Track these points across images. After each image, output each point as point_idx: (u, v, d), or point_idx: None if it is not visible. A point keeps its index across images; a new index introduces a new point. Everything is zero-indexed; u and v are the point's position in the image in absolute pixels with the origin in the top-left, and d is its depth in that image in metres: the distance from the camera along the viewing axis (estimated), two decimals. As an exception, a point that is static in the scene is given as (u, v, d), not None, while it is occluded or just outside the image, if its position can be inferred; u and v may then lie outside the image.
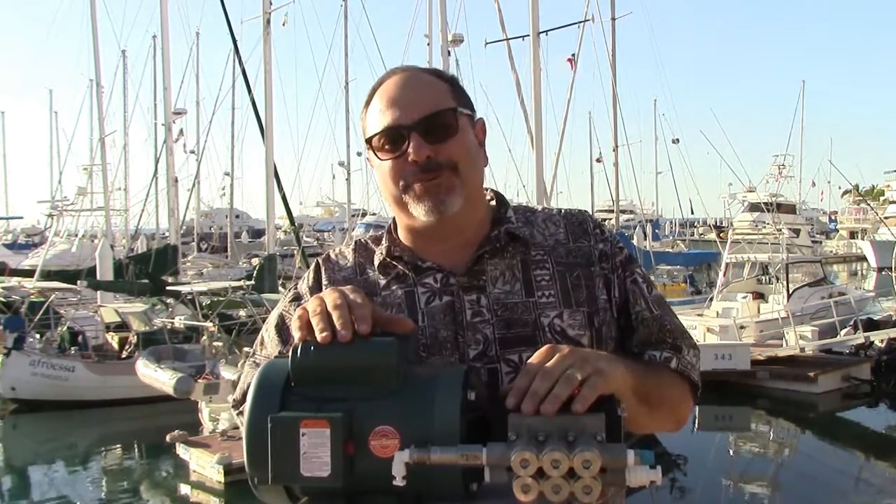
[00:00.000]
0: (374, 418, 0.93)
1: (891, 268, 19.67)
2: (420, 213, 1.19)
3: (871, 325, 16.17)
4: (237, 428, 10.68)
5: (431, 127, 1.18)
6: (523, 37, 15.78)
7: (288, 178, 32.76)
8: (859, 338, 15.47)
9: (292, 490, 0.97)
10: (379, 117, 1.20)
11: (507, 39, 16.41)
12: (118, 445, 13.49)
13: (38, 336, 16.19)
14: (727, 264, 20.00)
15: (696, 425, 12.81)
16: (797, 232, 33.95)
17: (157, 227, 33.68)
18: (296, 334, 0.99)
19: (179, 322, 16.20)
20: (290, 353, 0.98)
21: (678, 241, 40.27)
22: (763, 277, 20.32)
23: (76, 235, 30.50)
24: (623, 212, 38.99)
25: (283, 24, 22.42)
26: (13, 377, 14.56)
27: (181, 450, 10.79)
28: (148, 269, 20.03)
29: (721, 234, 31.98)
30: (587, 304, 1.22)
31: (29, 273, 21.02)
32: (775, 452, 13.06)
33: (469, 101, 1.27)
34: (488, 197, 1.32)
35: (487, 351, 1.18)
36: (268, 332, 1.29)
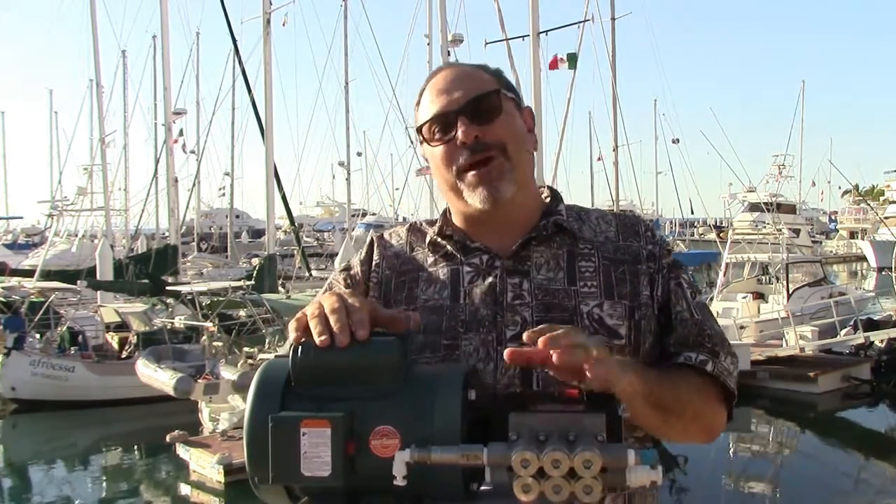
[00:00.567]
0: (374, 418, 0.93)
1: (891, 268, 19.69)
2: (475, 201, 1.24)
3: (871, 325, 16.18)
4: (237, 428, 10.71)
5: (477, 109, 1.23)
6: (523, 37, 15.81)
7: (288, 178, 32.85)
8: (859, 338, 15.47)
9: (293, 490, 0.97)
10: (428, 107, 1.27)
11: (507, 39, 16.42)
12: (118, 445, 13.49)
13: (38, 336, 16.20)
14: (727, 264, 20.00)
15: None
16: (797, 232, 33.96)
17: (157, 227, 33.72)
18: (292, 336, 1.00)
19: (179, 322, 16.20)
20: (290, 353, 0.98)
21: (678, 241, 40.23)
22: (763, 277, 20.32)
23: (76, 235, 30.50)
24: (623, 212, 38.92)
25: (283, 24, 22.41)
26: (13, 377, 14.57)
27: (181, 450, 10.79)
28: (148, 269, 20.05)
29: (721, 234, 32.01)
30: (629, 298, 1.24)
31: (29, 273, 21.02)
32: (775, 452, 13.05)
33: (514, 88, 1.32)
34: (545, 194, 1.37)
35: (524, 332, 1.20)
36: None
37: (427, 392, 0.94)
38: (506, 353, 0.98)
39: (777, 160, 46.60)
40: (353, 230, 31.50)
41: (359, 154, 38.86)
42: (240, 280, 18.86)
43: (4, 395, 14.78)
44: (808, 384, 14.52)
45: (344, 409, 0.92)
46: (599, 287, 1.24)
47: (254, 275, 18.20)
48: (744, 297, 18.74)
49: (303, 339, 0.99)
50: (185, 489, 10.63)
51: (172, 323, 16.20)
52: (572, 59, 16.89)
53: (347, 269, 1.37)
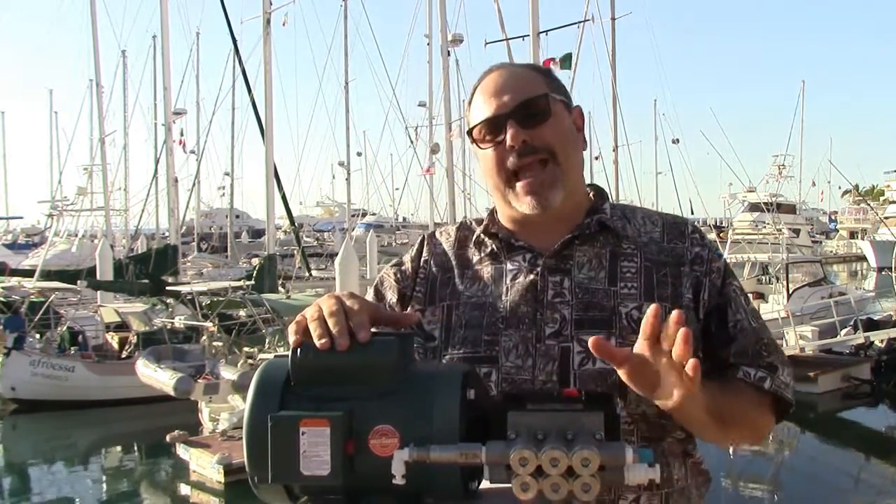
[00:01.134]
0: (373, 417, 0.93)
1: (891, 268, 19.68)
2: (524, 208, 1.27)
3: (871, 325, 16.18)
4: (237, 428, 10.71)
5: (526, 113, 1.26)
6: (523, 37, 15.79)
7: (288, 178, 32.83)
8: (859, 338, 15.47)
9: (292, 489, 0.97)
10: (479, 110, 1.29)
11: (507, 39, 16.41)
12: (118, 445, 13.50)
13: (38, 336, 16.21)
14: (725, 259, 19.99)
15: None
16: (797, 232, 33.98)
17: (157, 227, 33.70)
18: (292, 339, 1.00)
19: (179, 322, 16.20)
20: (289, 353, 0.99)
21: (678, 242, 40.15)
22: (763, 277, 20.34)
23: (76, 235, 30.52)
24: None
25: (284, 24, 22.38)
26: (13, 377, 14.57)
27: (181, 450, 10.79)
28: (148, 269, 20.04)
29: (721, 234, 31.96)
30: (670, 300, 1.25)
31: (29, 273, 21.02)
32: (775, 452, 13.05)
33: (563, 88, 1.34)
34: (591, 193, 1.38)
35: (563, 330, 1.22)
36: (367, 296, 1.34)
37: (426, 391, 0.94)
38: (592, 340, 1.00)
39: (777, 160, 46.54)
40: (353, 230, 31.47)
41: (359, 154, 38.87)
42: (240, 280, 18.86)
43: (4, 395, 14.78)
44: (808, 384, 14.50)
45: (343, 408, 0.92)
46: (640, 289, 1.25)
47: (254, 275, 18.20)
48: (744, 297, 18.72)
49: (302, 340, 0.99)
50: (185, 489, 10.63)
51: (172, 323, 16.20)
52: (567, 60, 16.85)
53: (399, 264, 1.41)
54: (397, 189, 36.77)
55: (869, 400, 14.78)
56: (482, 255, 1.33)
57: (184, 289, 16.96)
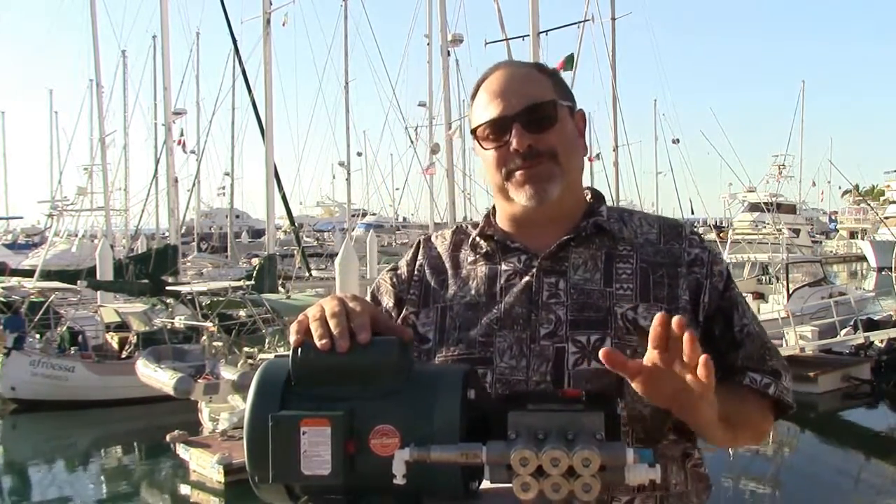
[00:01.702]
0: (374, 417, 0.93)
1: (891, 268, 19.69)
2: (521, 198, 1.27)
3: (871, 325, 16.18)
4: (237, 428, 10.71)
5: (533, 117, 1.25)
6: (523, 37, 15.79)
7: (288, 178, 32.83)
8: (859, 338, 15.47)
9: (293, 489, 0.97)
10: (484, 109, 1.28)
11: (507, 39, 16.41)
12: (118, 445, 13.50)
13: (38, 336, 16.21)
14: (727, 264, 19.99)
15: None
16: (797, 232, 34.00)
17: (157, 227, 33.71)
18: (293, 338, 1.00)
19: (179, 322, 16.20)
20: (290, 353, 0.99)
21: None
22: (763, 277, 20.33)
23: (76, 235, 30.52)
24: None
25: (283, 24, 22.38)
26: (13, 377, 14.57)
27: (181, 450, 10.80)
28: (148, 269, 20.04)
29: (721, 234, 31.98)
30: (667, 301, 1.24)
31: (29, 273, 21.03)
32: (775, 452, 13.05)
33: (569, 93, 1.34)
34: (588, 197, 1.37)
35: (558, 331, 1.22)
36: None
37: (427, 391, 0.95)
38: (603, 351, 1.00)
39: (777, 160, 46.59)
40: (353, 230, 31.48)
41: (359, 154, 38.84)
42: (240, 280, 18.85)
43: (4, 395, 14.79)
44: (808, 384, 14.51)
45: (344, 408, 0.93)
46: (635, 289, 1.25)
47: (254, 275, 18.20)
48: (744, 297, 18.73)
49: (303, 340, 0.99)
50: (185, 489, 10.63)
51: (172, 323, 16.20)
52: (569, 61, 16.87)
53: (395, 269, 1.41)
54: (397, 189, 36.80)
55: (869, 400, 14.78)
56: (477, 256, 1.33)
57: (184, 289, 16.96)
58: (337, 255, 14.31)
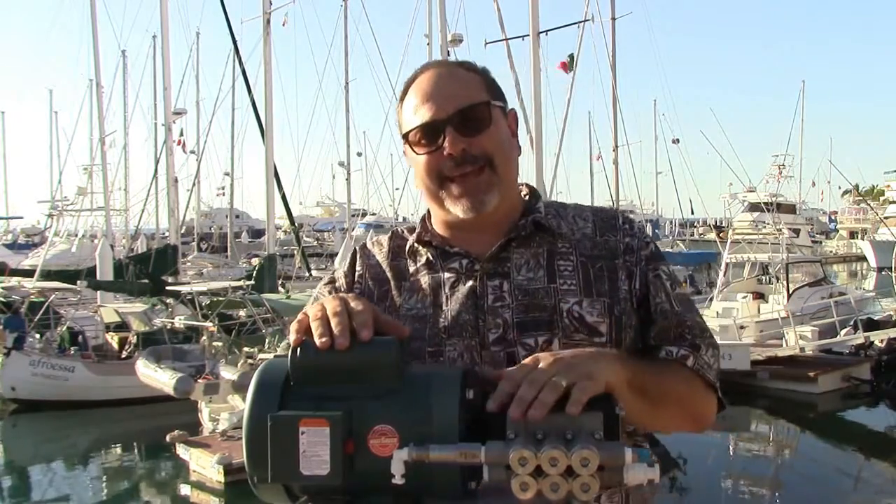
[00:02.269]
0: (373, 417, 0.93)
1: (891, 268, 19.67)
2: (458, 211, 1.24)
3: (871, 325, 16.17)
4: (237, 428, 10.70)
5: (466, 120, 1.22)
6: (523, 37, 15.77)
7: (288, 178, 32.86)
8: (859, 338, 15.46)
9: (292, 489, 0.97)
10: (415, 113, 1.24)
11: (507, 39, 16.39)
12: (118, 445, 13.48)
13: (38, 336, 16.19)
14: (727, 264, 19.99)
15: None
16: (797, 232, 34.01)
17: (157, 227, 33.72)
18: (293, 337, 1.00)
19: (179, 322, 16.19)
20: (289, 353, 0.99)
21: (678, 241, 40.23)
22: (763, 277, 20.31)
23: (76, 235, 30.49)
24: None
25: (283, 24, 22.41)
26: (13, 377, 14.56)
27: (181, 450, 10.79)
28: (148, 269, 20.02)
29: (721, 234, 31.97)
30: (608, 294, 1.23)
31: (29, 273, 21.00)
32: (775, 452, 13.05)
33: (500, 92, 1.30)
34: (523, 192, 1.35)
35: (507, 335, 1.20)
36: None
37: (425, 391, 0.95)
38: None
39: (777, 160, 46.64)
40: (353, 230, 31.48)
41: (359, 154, 38.87)
42: (240, 280, 18.86)
43: (4, 395, 14.77)
44: (808, 384, 14.51)
45: (342, 408, 0.93)
46: (578, 284, 1.23)
47: (254, 275, 18.20)
48: (744, 297, 18.73)
49: (303, 339, 0.99)
50: (185, 489, 10.62)
51: (172, 323, 16.19)
52: (570, 61, 16.90)
53: (332, 281, 1.36)
54: (397, 189, 36.74)
55: (869, 400, 14.77)
56: (418, 265, 1.30)
57: (184, 289, 16.96)
58: (337, 255, 14.31)
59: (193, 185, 30.26)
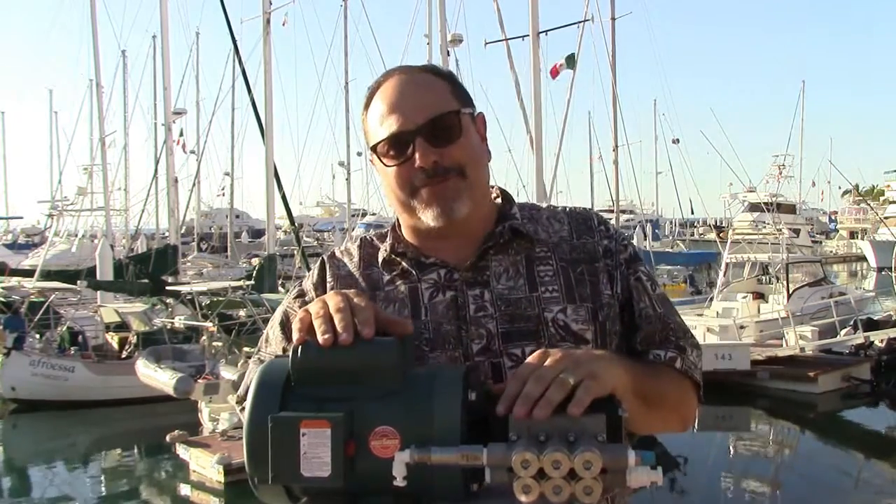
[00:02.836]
0: (374, 418, 0.93)
1: (891, 268, 19.68)
2: (428, 218, 1.20)
3: (871, 325, 16.18)
4: (237, 428, 10.70)
5: (436, 131, 1.18)
6: (523, 37, 15.77)
7: (288, 178, 32.79)
8: (859, 338, 15.47)
9: (292, 490, 0.97)
10: (382, 123, 1.20)
11: (507, 39, 16.40)
12: (118, 445, 13.49)
13: (38, 336, 16.21)
14: (727, 264, 20.00)
15: (696, 425, 12.80)
16: (797, 232, 34.00)
17: (157, 227, 33.71)
18: (296, 336, 0.99)
19: (179, 322, 16.19)
20: (290, 353, 0.98)
21: (678, 241, 40.25)
22: (763, 277, 20.32)
23: (76, 235, 30.50)
24: (623, 212, 38.98)
25: (284, 24, 22.46)
26: (13, 377, 14.56)
27: (181, 450, 10.79)
28: (148, 269, 20.02)
29: (721, 234, 32.00)
30: (591, 299, 1.22)
31: (29, 273, 21.01)
32: (775, 452, 13.05)
33: (468, 97, 1.27)
34: (494, 195, 1.32)
35: (491, 345, 1.18)
36: (272, 329, 1.30)
37: (427, 392, 0.94)
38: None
39: (777, 160, 46.65)
40: (353, 230, 31.48)
41: (359, 154, 38.74)
42: (240, 280, 18.85)
43: (4, 395, 14.78)
44: (808, 384, 14.51)
45: (344, 409, 0.92)
46: (561, 291, 1.21)
47: (254, 275, 18.19)
48: (744, 297, 18.73)
49: (305, 339, 0.98)
50: (185, 489, 10.62)
51: (172, 323, 16.19)
52: (571, 60, 16.87)
53: (301, 294, 1.31)
54: (397, 189, 36.60)
55: (869, 400, 14.77)
56: (392, 274, 1.26)
57: (184, 289, 16.95)
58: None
59: (193, 185, 30.26)
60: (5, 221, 50.17)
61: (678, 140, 36.31)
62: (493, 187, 1.33)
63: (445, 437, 0.91)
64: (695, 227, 54.64)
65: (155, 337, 15.30)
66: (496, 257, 1.23)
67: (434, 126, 1.18)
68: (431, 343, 1.19)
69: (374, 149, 1.22)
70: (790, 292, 18.49)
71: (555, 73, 16.94)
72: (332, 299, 1.01)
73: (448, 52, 19.12)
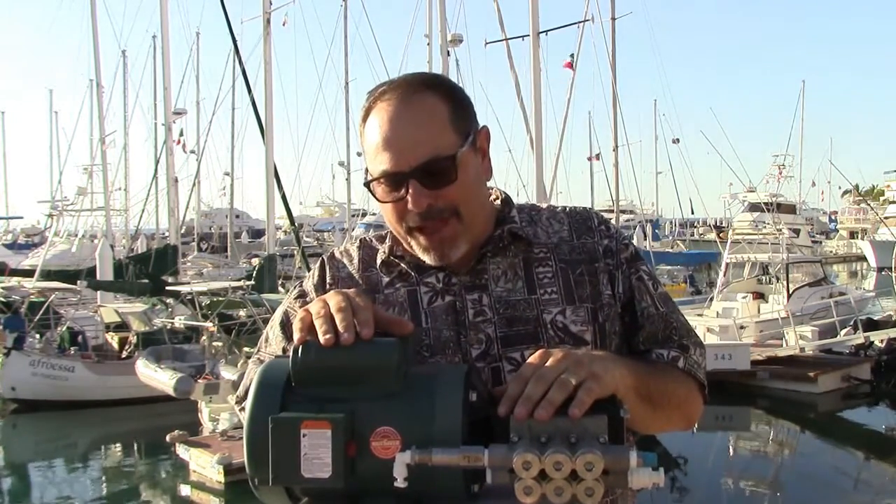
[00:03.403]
0: (375, 419, 0.92)
1: (891, 268, 19.67)
2: (426, 259, 1.21)
3: (871, 325, 16.18)
4: (237, 428, 10.70)
5: (430, 174, 1.14)
6: (523, 37, 15.79)
7: (288, 178, 32.79)
8: (859, 338, 15.47)
9: (293, 491, 0.97)
10: (375, 157, 1.17)
11: (507, 39, 16.42)
12: (118, 445, 13.50)
13: (38, 336, 16.21)
14: (727, 264, 20.00)
15: (696, 425, 12.79)
16: (797, 232, 34.02)
17: (157, 227, 33.69)
18: (297, 336, 0.99)
19: (179, 322, 16.20)
20: (290, 353, 0.98)
21: (678, 241, 40.27)
22: (763, 277, 20.32)
23: (76, 235, 30.51)
24: (623, 212, 39.01)
25: (284, 24, 22.47)
26: (13, 377, 14.57)
27: (181, 450, 10.79)
28: (148, 269, 20.03)
29: (721, 234, 31.99)
30: (591, 300, 1.21)
31: (29, 273, 21.03)
32: (775, 452, 13.05)
33: (469, 114, 1.21)
34: (493, 197, 1.31)
35: (490, 350, 1.18)
36: (272, 329, 1.29)
37: (428, 393, 0.94)
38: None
39: (777, 160, 46.71)
40: (353, 230, 31.49)
41: (359, 154, 38.66)
42: (240, 280, 18.85)
43: (4, 395, 14.78)
44: (808, 384, 14.51)
45: (344, 410, 0.92)
46: (560, 293, 1.21)
47: (254, 275, 18.19)
48: (744, 297, 18.73)
49: (306, 339, 0.98)
50: (185, 489, 10.62)
51: (172, 323, 16.20)
52: (572, 60, 16.96)
53: (302, 295, 1.31)
54: (397, 189, 36.64)
55: (869, 400, 14.78)
56: (391, 277, 1.26)
57: (184, 289, 16.95)
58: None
59: (193, 185, 30.27)
60: (5, 221, 50.13)
61: (678, 140, 36.42)
62: (493, 189, 1.31)
63: (446, 437, 0.91)
64: (695, 227, 54.64)
65: (155, 337, 15.30)
66: (494, 260, 1.23)
67: (429, 168, 1.14)
68: (431, 349, 1.19)
69: (368, 184, 1.19)
70: (790, 292, 18.50)
71: (569, 65, 17.18)
72: (333, 299, 1.01)
73: (448, 52, 19.11)
